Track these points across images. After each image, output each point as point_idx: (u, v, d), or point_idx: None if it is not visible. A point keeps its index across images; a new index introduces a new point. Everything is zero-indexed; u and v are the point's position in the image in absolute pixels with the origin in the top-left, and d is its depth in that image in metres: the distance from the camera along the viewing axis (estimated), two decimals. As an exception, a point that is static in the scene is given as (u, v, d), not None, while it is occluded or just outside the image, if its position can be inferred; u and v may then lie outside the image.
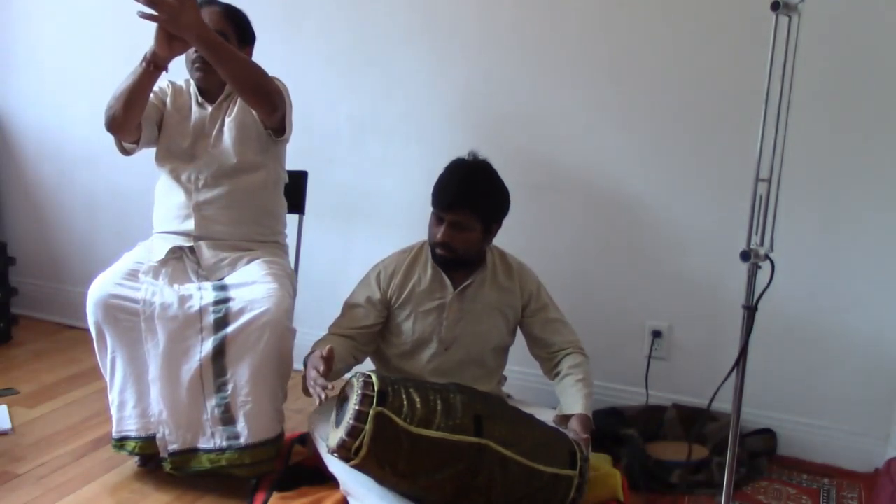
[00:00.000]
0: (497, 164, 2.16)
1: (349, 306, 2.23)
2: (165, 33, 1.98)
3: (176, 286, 2.14)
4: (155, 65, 2.03)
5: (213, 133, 2.27)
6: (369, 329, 2.20)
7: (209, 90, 2.30)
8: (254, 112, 2.21)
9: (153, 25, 1.95)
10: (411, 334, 2.19)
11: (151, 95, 2.20)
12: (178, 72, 2.39)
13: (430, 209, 2.14)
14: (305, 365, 2.02)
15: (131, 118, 2.13)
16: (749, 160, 1.63)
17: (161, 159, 2.31)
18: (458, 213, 2.07)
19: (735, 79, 2.36)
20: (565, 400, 2.13)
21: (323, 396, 1.84)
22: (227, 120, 2.27)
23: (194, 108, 2.31)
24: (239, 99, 2.26)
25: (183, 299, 2.09)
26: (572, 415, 2.05)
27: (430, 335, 2.18)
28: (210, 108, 2.29)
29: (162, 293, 2.10)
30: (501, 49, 2.63)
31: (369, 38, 2.79)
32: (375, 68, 2.80)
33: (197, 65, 2.23)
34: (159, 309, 2.07)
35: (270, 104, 2.14)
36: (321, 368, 1.90)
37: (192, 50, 2.20)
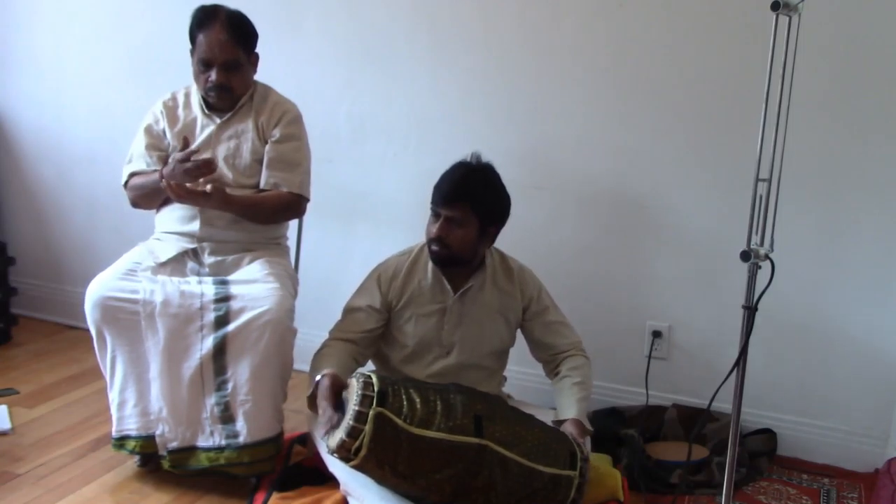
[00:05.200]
0: (497, 164, 2.16)
1: (350, 310, 2.22)
2: None
3: (176, 279, 2.15)
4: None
5: (217, 148, 2.29)
6: (370, 333, 2.19)
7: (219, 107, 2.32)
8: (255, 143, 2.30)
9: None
10: (412, 337, 2.18)
11: (154, 138, 2.34)
12: (180, 73, 2.40)
13: (429, 209, 2.14)
14: (315, 388, 1.97)
15: (153, 206, 2.37)
16: (749, 160, 1.63)
17: None
18: (453, 207, 2.06)
19: (735, 79, 2.36)
20: (560, 402, 2.14)
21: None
22: (230, 143, 2.29)
23: (200, 119, 2.32)
24: (245, 123, 2.29)
25: (184, 295, 2.09)
26: (566, 420, 2.05)
27: (431, 339, 2.18)
28: (218, 122, 2.30)
29: (163, 290, 2.10)
30: (502, 49, 2.62)
31: (369, 37, 2.79)
32: (376, 68, 2.79)
33: (213, 93, 2.25)
34: (160, 306, 2.07)
35: (285, 221, 2.41)
36: (335, 420, 1.83)
37: (206, 76, 2.22)
